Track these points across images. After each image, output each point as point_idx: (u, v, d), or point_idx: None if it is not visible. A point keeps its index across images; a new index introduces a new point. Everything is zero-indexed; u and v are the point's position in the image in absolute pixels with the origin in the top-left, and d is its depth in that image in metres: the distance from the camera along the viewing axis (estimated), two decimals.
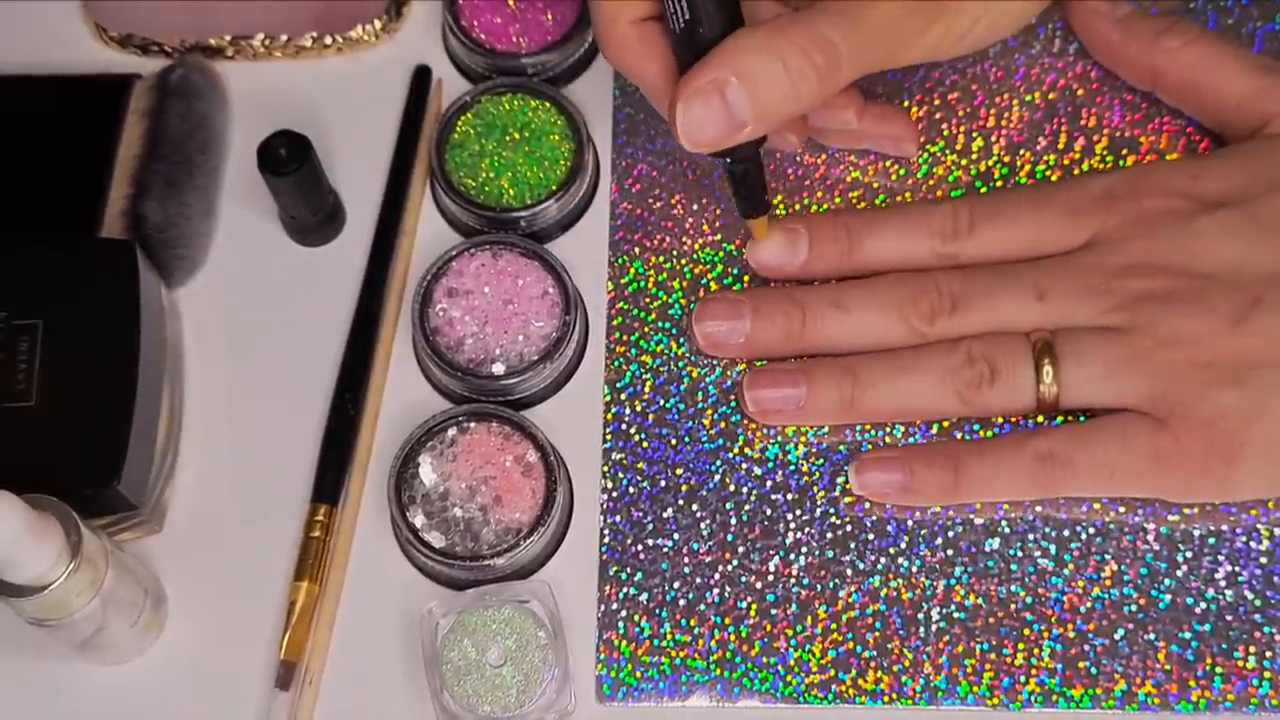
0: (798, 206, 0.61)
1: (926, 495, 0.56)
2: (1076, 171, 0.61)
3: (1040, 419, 0.56)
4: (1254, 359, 0.53)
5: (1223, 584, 0.55)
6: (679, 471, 0.58)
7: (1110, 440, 0.54)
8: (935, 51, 0.55)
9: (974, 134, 0.62)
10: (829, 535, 0.57)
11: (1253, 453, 0.53)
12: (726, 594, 0.56)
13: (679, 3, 0.51)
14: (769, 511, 0.57)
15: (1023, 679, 0.54)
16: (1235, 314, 0.53)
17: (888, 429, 0.58)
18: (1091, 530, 0.56)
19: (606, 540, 0.57)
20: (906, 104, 0.63)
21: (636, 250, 0.61)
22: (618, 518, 0.57)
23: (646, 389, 0.59)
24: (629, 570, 0.56)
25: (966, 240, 0.57)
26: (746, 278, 0.60)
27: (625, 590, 0.56)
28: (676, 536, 0.57)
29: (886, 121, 0.60)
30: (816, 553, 0.56)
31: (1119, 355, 0.54)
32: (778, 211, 0.61)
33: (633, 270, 0.61)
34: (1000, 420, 0.57)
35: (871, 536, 0.56)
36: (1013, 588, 0.55)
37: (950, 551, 0.56)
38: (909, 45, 0.54)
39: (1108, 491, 0.55)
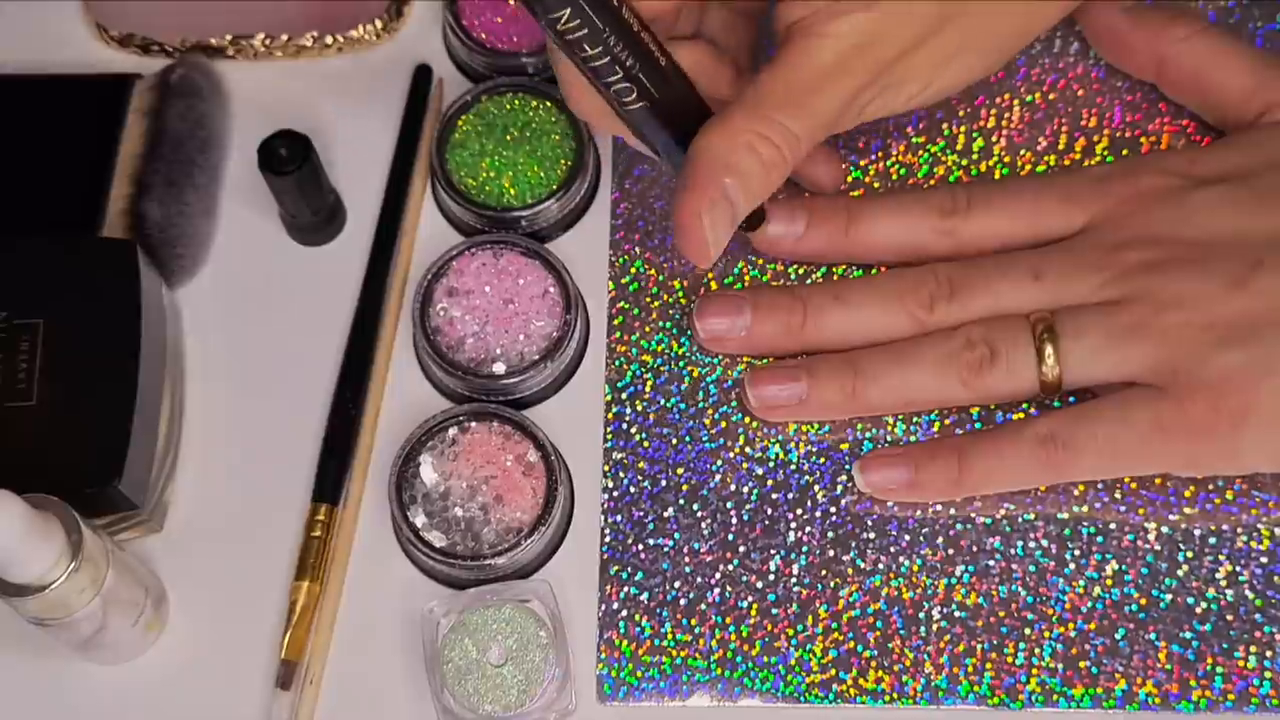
0: None
1: (932, 489, 0.56)
2: None
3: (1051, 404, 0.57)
4: (1257, 320, 0.53)
5: (1223, 584, 0.55)
6: (680, 471, 0.58)
7: (1110, 415, 0.54)
8: (886, 113, 0.55)
9: (974, 134, 0.62)
10: (830, 534, 0.57)
11: (1260, 417, 0.52)
12: (727, 593, 0.56)
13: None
14: (770, 511, 0.57)
15: (1024, 678, 0.54)
16: (1235, 276, 0.53)
17: (888, 428, 0.58)
18: (1092, 530, 0.56)
19: (607, 540, 0.57)
20: None
21: (637, 250, 0.61)
22: (619, 517, 0.57)
23: (647, 388, 0.59)
24: (630, 570, 0.56)
25: (964, 219, 0.57)
26: (748, 277, 0.60)
27: (626, 590, 0.56)
28: (677, 536, 0.57)
29: (810, 159, 0.59)
30: (817, 552, 0.56)
31: (1118, 326, 0.54)
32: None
33: (633, 270, 0.61)
34: (1002, 415, 0.57)
35: (872, 536, 0.56)
36: (1014, 587, 0.55)
37: (951, 550, 0.56)
38: (858, 116, 0.54)
39: (1113, 471, 0.55)
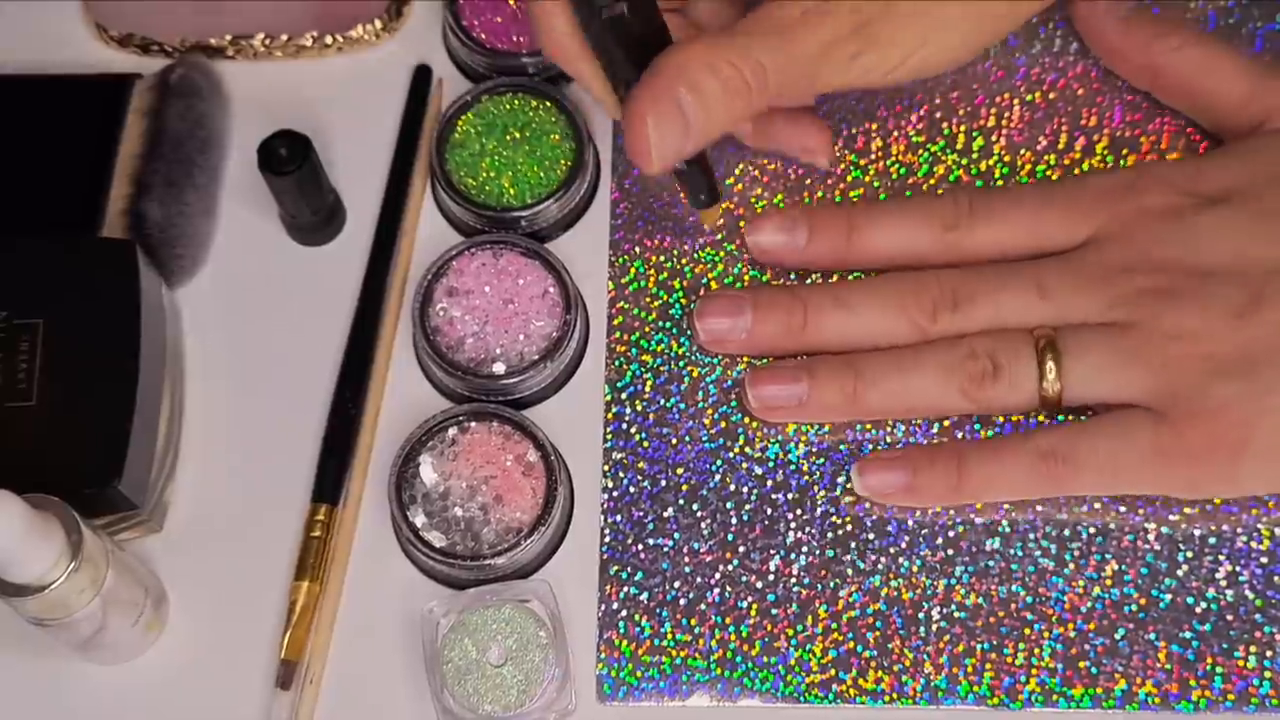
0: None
1: (930, 495, 0.56)
2: (1077, 171, 0.61)
3: (1045, 419, 0.57)
4: (1257, 352, 0.53)
5: (1223, 584, 0.55)
6: (679, 471, 0.58)
7: (1112, 435, 0.54)
8: (863, 80, 0.54)
9: (974, 133, 0.62)
10: (829, 535, 0.57)
11: (1258, 448, 0.52)
12: (727, 593, 0.56)
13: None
14: (769, 511, 0.57)
15: (1023, 678, 0.54)
16: (1237, 307, 0.53)
17: (888, 429, 0.58)
18: (1092, 530, 0.56)
19: (607, 540, 0.57)
20: (906, 102, 0.63)
21: (637, 250, 0.61)
22: (618, 517, 0.57)
23: (647, 388, 0.59)
24: (629, 570, 0.56)
25: (967, 230, 0.57)
26: (748, 277, 0.60)
27: (626, 590, 0.56)
28: (677, 536, 0.57)
29: (798, 126, 0.59)
30: (817, 552, 0.56)
31: (1121, 349, 0.54)
32: (776, 203, 0.61)
33: (633, 270, 0.61)
34: (1002, 419, 0.57)
35: (872, 536, 0.56)
36: (1013, 587, 0.55)
37: (951, 551, 0.56)
38: (836, 73, 0.53)
39: (1112, 489, 0.55)
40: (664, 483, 0.58)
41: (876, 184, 0.62)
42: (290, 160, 0.58)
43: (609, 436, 0.58)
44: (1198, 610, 0.55)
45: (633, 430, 0.58)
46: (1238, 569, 0.55)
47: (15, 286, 0.56)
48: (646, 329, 0.60)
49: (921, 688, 0.54)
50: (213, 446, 0.59)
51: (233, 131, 0.64)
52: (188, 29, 0.65)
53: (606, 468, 0.58)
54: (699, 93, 0.51)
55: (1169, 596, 0.55)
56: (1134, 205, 0.56)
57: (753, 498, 0.57)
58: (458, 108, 0.62)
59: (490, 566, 0.55)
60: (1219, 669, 0.54)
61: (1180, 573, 0.55)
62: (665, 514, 0.57)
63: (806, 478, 0.57)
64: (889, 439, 0.58)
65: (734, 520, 0.57)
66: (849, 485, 0.57)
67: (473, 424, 0.57)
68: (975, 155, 0.62)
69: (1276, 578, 0.55)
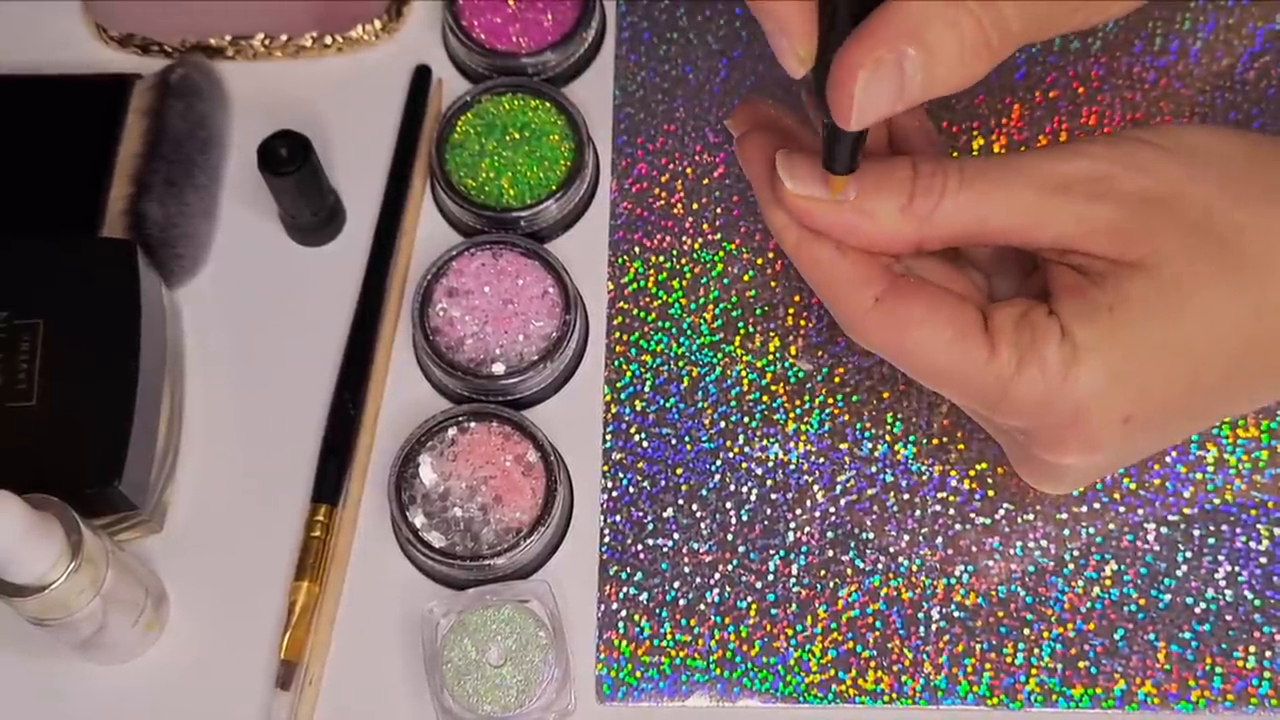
0: None
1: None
2: None
3: None
4: None
5: (1222, 584, 0.55)
6: (679, 471, 0.58)
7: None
8: (1085, 23, 0.47)
9: (974, 132, 0.62)
10: (829, 535, 0.57)
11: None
12: (726, 594, 0.56)
13: None
14: (769, 511, 0.57)
15: (1023, 678, 0.54)
16: None
17: (889, 426, 0.58)
18: (1091, 530, 0.56)
19: (606, 540, 0.57)
20: None
21: (636, 250, 0.61)
22: (618, 517, 0.57)
23: (647, 388, 0.59)
24: (629, 570, 0.56)
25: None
26: (747, 277, 0.60)
27: (625, 590, 0.56)
28: (676, 536, 0.57)
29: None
30: (817, 552, 0.56)
31: None
32: None
33: (633, 270, 0.61)
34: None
35: (872, 536, 0.56)
36: (1013, 587, 0.55)
37: (950, 551, 0.56)
38: (1067, 19, 0.46)
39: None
40: (664, 483, 0.58)
41: None
42: (290, 160, 0.58)
43: (609, 436, 0.58)
44: (1197, 610, 0.55)
45: (633, 430, 0.58)
46: (1237, 569, 0.55)
47: (15, 286, 0.56)
48: (646, 329, 0.60)
49: (921, 688, 0.54)
50: (213, 446, 0.59)
51: (233, 131, 0.64)
52: (188, 29, 0.65)
53: (606, 468, 0.58)
54: (931, 54, 0.43)
55: (1168, 596, 0.55)
56: None
57: (753, 498, 0.57)
58: (457, 108, 0.62)
59: (490, 567, 0.55)
60: (1218, 669, 0.54)
61: (1179, 573, 0.55)
62: (665, 514, 0.57)
63: (806, 478, 0.57)
64: (888, 437, 0.58)
65: (734, 520, 0.57)
66: (849, 484, 0.57)
67: (472, 424, 0.57)
68: (975, 154, 0.62)
69: (1276, 578, 0.55)
